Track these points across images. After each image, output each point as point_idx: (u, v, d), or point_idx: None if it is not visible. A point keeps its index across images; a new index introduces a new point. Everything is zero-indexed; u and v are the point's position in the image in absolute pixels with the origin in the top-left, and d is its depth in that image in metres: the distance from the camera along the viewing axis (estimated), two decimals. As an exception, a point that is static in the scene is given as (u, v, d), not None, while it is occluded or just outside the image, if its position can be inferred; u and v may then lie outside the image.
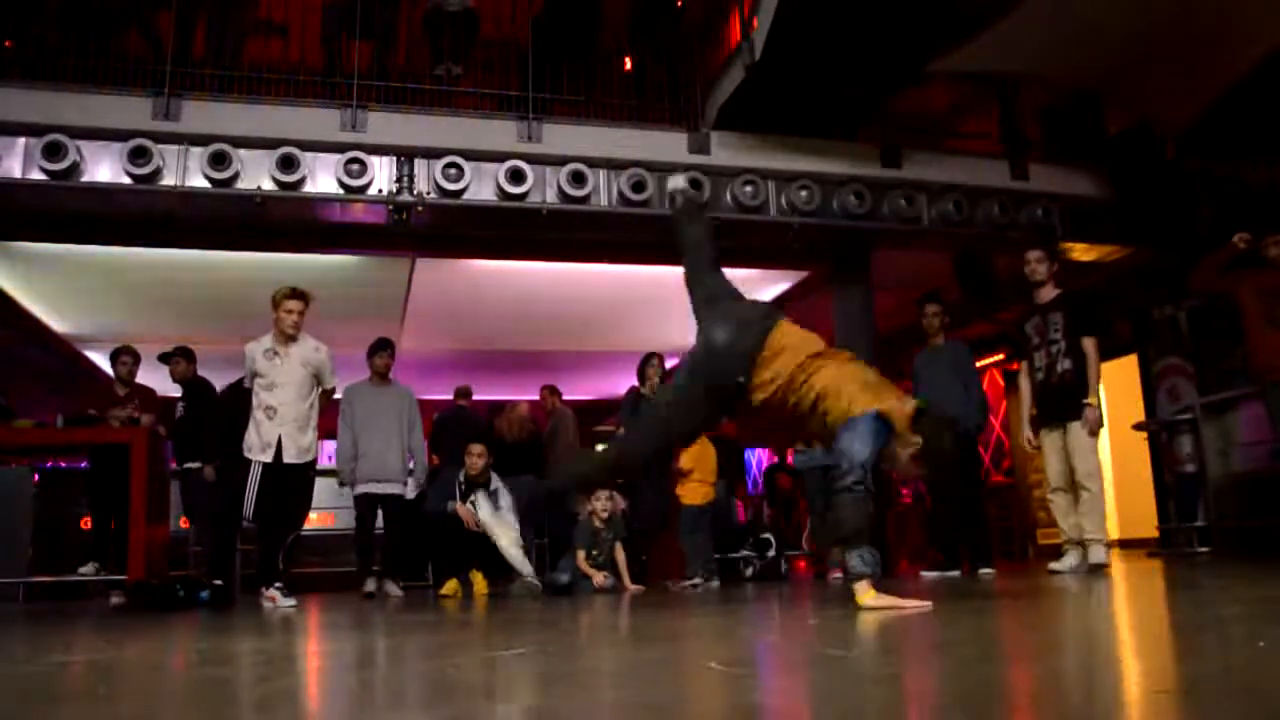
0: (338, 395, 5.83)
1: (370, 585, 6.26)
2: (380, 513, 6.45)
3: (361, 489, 6.33)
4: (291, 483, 5.21)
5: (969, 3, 6.18)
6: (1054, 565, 5.31)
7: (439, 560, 6.53)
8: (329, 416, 5.74)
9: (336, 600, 6.00)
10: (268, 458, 5.07)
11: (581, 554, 5.97)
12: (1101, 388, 5.37)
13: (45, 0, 6.81)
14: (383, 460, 6.32)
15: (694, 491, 6.46)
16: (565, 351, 11.08)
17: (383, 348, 6.56)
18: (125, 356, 6.65)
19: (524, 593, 5.77)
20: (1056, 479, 5.32)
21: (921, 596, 3.23)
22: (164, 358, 6.93)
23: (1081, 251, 8.14)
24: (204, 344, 9.59)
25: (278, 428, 5.11)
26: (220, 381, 6.92)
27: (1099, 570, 4.97)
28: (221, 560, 6.20)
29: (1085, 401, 5.11)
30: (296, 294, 5.20)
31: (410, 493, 6.57)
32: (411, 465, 6.56)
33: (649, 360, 7.06)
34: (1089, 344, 5.19)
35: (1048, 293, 5.42)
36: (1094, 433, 5.13)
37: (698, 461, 6.46)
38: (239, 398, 6.21)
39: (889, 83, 7.01)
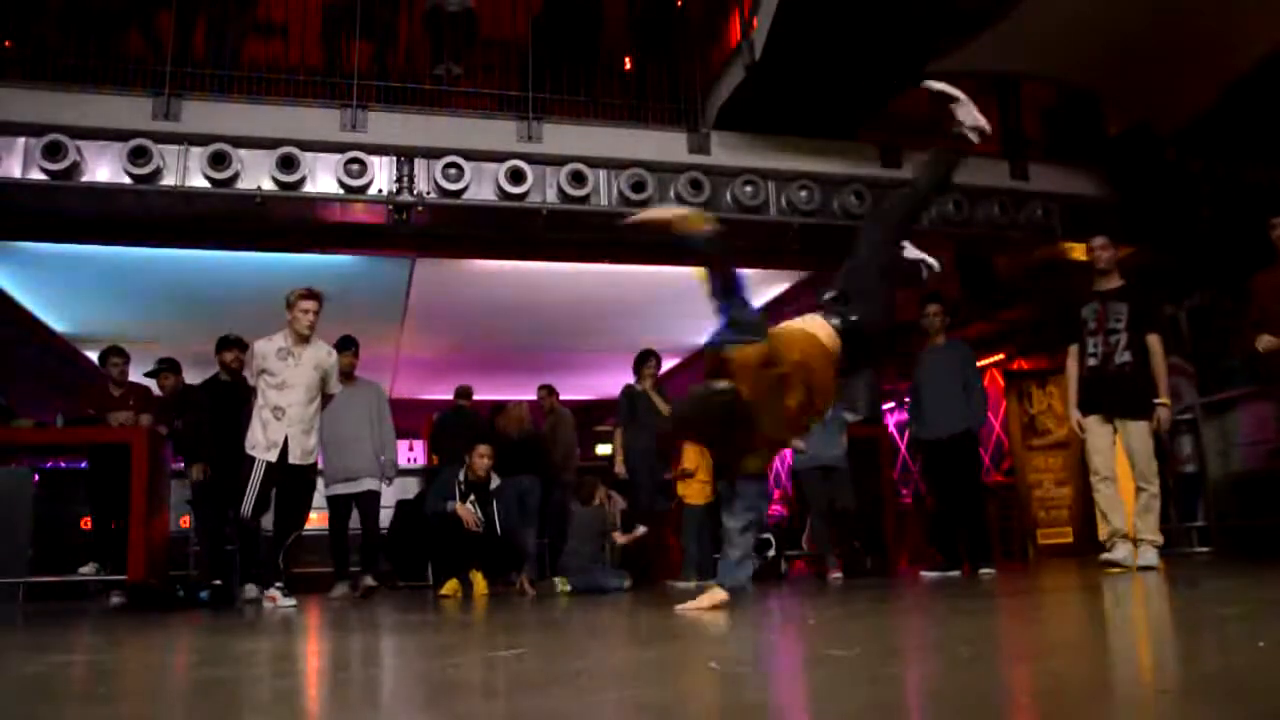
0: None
1: (339, 590, 6.22)
2: (357, 511, 6.44)
3: (334, 489, 6.33)
4: (295, 484, 5.20)
5: (969, 2, 6.18)
6: (1108, 556, 5.09)
7: (439, 560, 6.52)
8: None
9: (336, 600, 5.99)
10: (272, 457, 5.05)
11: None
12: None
13: (45, 0, 6.81)
14: (349, 460, 6.30)
15: (699, 492, 6.50)
16: (565, 351, 11.08)
17: (346, 346, 6.51)
18: (115, 358, 6.62)
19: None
20: (1105, 469, 5.13)
21: (922, 597, 3.23)
22: (151, 374, 6.89)
23: (1081, 251, 8.14)
24: (203, 344, 9.60)
25: (285, 428, 5.09)
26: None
27: (1149, 571, 4.82)
28: (219, 560, 6.18)
29: (1159, 401, 5.01)
30: (311, 294, 5.19)
31: (380, 485, 6.51)
32: (383, 458, 6.52)
33: (646, 359, 7.05)
34: (1155, 341, 5.07)
35: (1112, 280, 5.28)
36: (1164, 430, 5.06)
37: (701, 461, 6.49)
38: (218, 393, 6.19)
39: (889, 83, 7.00)
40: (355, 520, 6.54)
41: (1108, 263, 5.26)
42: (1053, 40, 6.68)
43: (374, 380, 6.79)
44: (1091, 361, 5.19)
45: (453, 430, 7.67)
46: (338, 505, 6.38)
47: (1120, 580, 4.50)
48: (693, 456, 6.49)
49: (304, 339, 5.20)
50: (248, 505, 5.06)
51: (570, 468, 8.17)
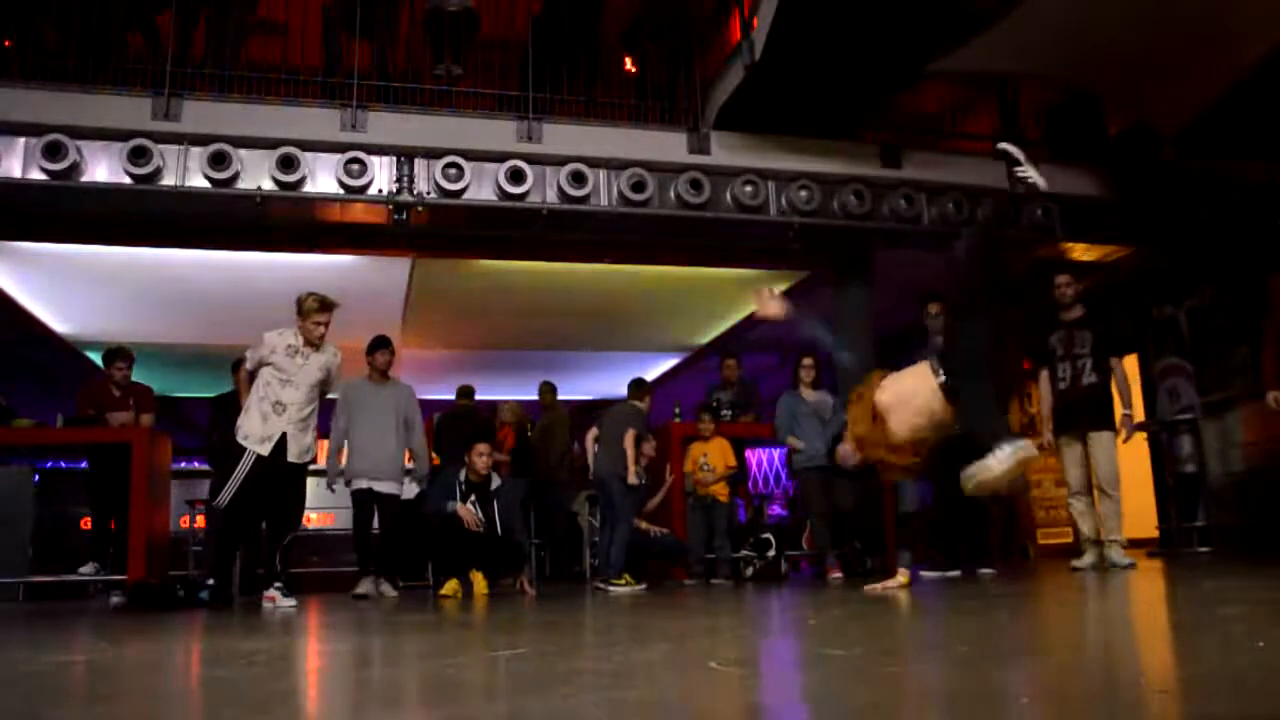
0: (332, 396, 5.76)
1: (364, 587, 6.10)
2: (375, 512, 6.39)
3: (358, 484, 6.24)
4: (290, 483, 5.16)
5: (970, 2, 6.18)
6: (1076, 563, 5.63)
7: (439, 560, 6.52)
8: (323, 415, 5.67)
9: (336, 600, 5.99)
10: (265, 451, 5.01)
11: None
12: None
13: (45, 0, 6.81)
14: (378, 459, 6.22)
15: (723, 489, 6.62)
16: (565, 351, 11.08)
17: (383, 345, 6.47)
18: (120, 360, 6.57)
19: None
20: (1076, 484, 5.67)
21: (922, 597, 3.23)
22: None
23: (1081, 251, 8.14)
24: (203, 344, 9.61)
25: (284, 425, 5.06)
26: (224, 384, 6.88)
27: (1120, 569, 5.27)
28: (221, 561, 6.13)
29: (1125, 412, 5.55)
30: (325, 306, 5.13)
31: (409, 493, 6.50)
32: (411, 465, 6.48)
33: (648, 388, 6.95)
34: (1117, 363, 5.60)
35: (1075, 311, 5.77)
36: (1127, 439, 5.60)
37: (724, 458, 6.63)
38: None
39: (889, 83, 7.00)
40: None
41: (1071, 297, 5.78)
42: (1053, 40, 6.68)
43: (405, 382, 6.71)
44: (1061, 385, 5.72)
45: (454, 430, 7.67)
46: (361, 500, 6.26)
47: (1119, 580, 4.51)
48: (715, 454, 6.60)
49: (314, 345, 5.19)
50: (226, 495, 4.95)
51: (565, 467, 8.19)
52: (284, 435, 5.05)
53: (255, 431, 5.02)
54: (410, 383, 6.81)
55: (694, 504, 6.74)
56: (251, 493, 5.01)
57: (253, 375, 5.19)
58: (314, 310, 5.11)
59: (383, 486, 6.23)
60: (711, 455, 6.63)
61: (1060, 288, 5.80)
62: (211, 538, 6.61)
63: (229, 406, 6.23)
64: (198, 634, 3.54)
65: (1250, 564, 5.47)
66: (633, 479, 6.23)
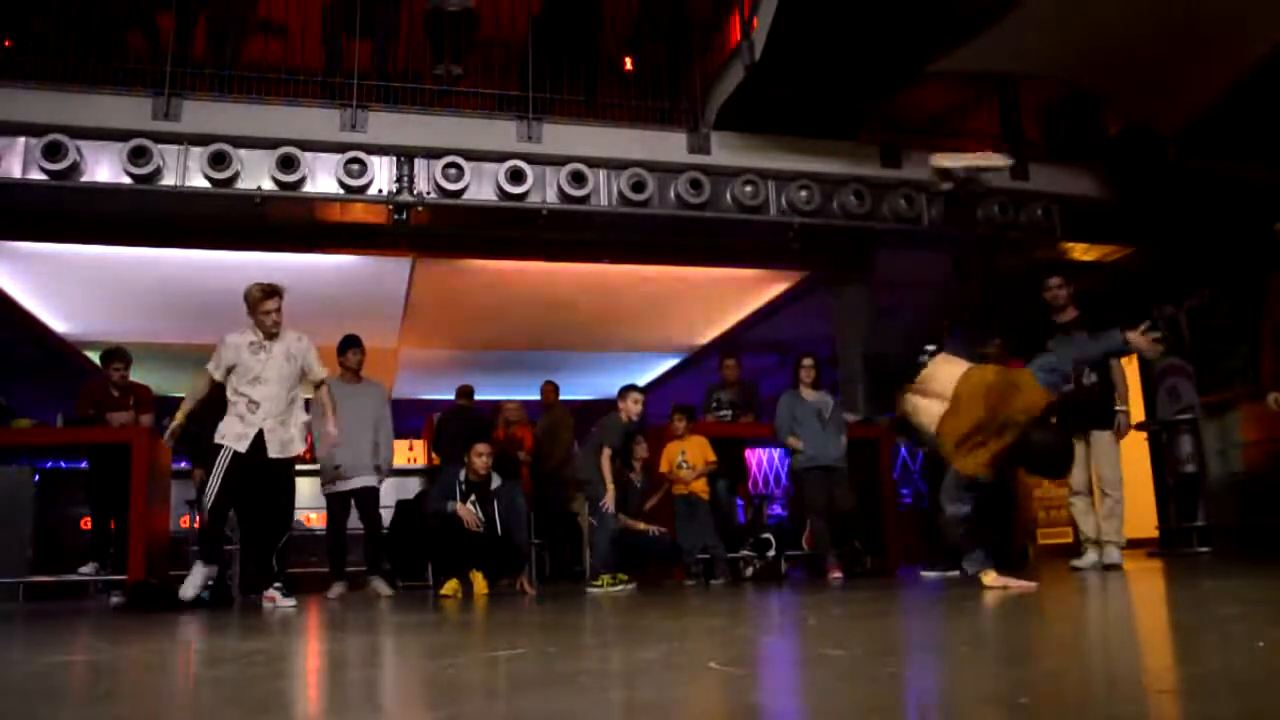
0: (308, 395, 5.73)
1: (336, 590, 6.11)
2: (355, 510, 6.38)
3: (332, 489, 6.26)
4: (275, 480, 5.08)
5: (969, 3, 6.18)
6: (1075, 562, 5.63)
7: (439, 560, 6.51)
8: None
9: (335, 600, 5.99)
10: (242, 447, 4.92)
11: (621, 515, 6.19)
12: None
13: (45, 0, 6.82)
14: (352, 457, 6.24)
15: (703, 485, 6.58)
16: (565, 351, 11.09)
17: (354, 344, 6.44)
18: (117, 362, 6.55)
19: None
20: (1078, 484, 5.63)
21: (922, 597, 3.22)
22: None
23: (1081, 251, 8.14)
24: (202, 344, 9.59)
25: (260, 421, 4.97)
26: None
27: (1114, 570, 5.27)
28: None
29: (1119, 409, 5.53)
30: (270, 293, 5.01)
31: (377, 482, 6.45)
32: (380, 458, 6.46)
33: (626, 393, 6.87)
34: (1116, 361, 5.52)
35: (1070, 313, 5.75)
36: (1122, 436, 5.61)
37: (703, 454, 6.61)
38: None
39: (889, 83, 7.00)
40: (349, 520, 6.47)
41: (1064, 300, 5.78)
42: (1053, 40, 6.68)
43: (377, 380, 6.72)
44: (1066, 388, 5.54)
45: (453, 430, 7.66)
46: (336, 504, 6.31)
47: (1119, 580, 4.51)
48: (693, 451, 6.54)
49: (273, 335, 5.11)
50: (209, 495, 4.90)
51: (569, 467, 8.18)
52: (261, 432, 4.99)
53: (230, 430, 4.96)
54: (410, 383, 6.82)
55: (679, 503, 6.72)
56: (235, 490, 4.95)
57: (221, 383, 5.10)
58: (260, 299, 5.01)
59: (359, 482, 6.25)
60: (690, 453, 6.61)
61: (1052, 290, 5.79)
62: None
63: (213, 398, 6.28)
64: (197, 634, 3.54)
65: (1250, 564, 5.48)
66: (608, 503, 6.17)
